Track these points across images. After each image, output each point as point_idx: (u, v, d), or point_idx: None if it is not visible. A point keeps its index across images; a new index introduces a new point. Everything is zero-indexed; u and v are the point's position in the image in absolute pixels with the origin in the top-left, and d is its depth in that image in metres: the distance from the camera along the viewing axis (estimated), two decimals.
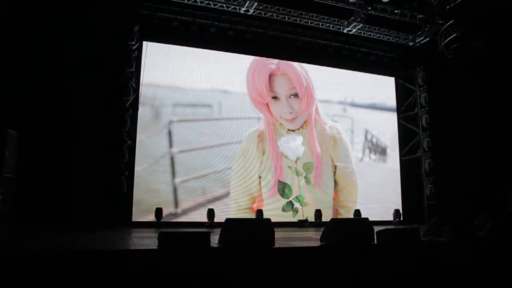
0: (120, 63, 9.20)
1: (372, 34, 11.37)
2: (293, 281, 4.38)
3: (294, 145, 10.84)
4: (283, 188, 10.59)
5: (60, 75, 8.20)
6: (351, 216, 10.78)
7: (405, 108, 12.74)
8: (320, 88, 11.44)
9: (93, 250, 4.46)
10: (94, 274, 3.84)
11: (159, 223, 9.00)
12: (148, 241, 5.28)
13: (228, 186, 10.12)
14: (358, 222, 6.52)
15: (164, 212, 9.22)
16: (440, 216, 6.63)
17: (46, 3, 8.16)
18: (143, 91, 9.69)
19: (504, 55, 9.86)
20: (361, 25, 10.83)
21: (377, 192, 11.76)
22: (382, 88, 12.74)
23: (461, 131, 10.91)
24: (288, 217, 10.47)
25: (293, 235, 7.09)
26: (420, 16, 10.75)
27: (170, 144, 9.81)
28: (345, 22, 10.87)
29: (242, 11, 10.09)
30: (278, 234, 5.23)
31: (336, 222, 5.61)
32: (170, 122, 9.91)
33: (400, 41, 11.81)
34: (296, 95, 10.97)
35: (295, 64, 11.23)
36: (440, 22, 10.79)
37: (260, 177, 10.43)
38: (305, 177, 10.84)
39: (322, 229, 5.66)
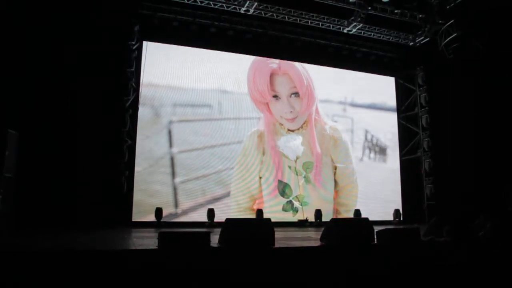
0: (120, 63, 9.20)
1: (372, 34, 11.37)
2: (293, 281, 4.38)
3: (293, 145, 10.84)
4: (283, 188, 10.59)
5: (60, 75, 8.20)
6: (351, 216, 10.78)
7: (405, 108, 12.74)
8: (320, 88, 11.43)
9: (93, 250, 4.46)
10: (94, 274, 3.84)
11: (159, 223, 9.00)
12: (148, 241, 5.28)
13: (228, 186, 10.12)
14: (358, 222, 6.52)
15: (164, 212, 9.22)
16: (440, 216, 6.63)
17: (46, 3, 8.16)
18: (143, 91, 9.69)
19: (504, 55, 9.85)
20: (361, 25, 10.83)
21: (377, 192, 11.75)
22: (382, 88, 12.74)
23: (461, 131, 10.92)
24: (288, 216, 10.47)
25: (293, 235, 7.09)
26: (420, 16, 10.75)
27: (170, 144, 9.81)
28: (345, 22, 10.87)
29: (242, 11, 10.09)
30: (278, 234, 5.23)
31: (336, 222, 5.61)
32: (170, 122, 9.91)
33: (400, 41, 11.81)
34: (297, 94, 10.97)
35: (296, 64, 11.24)
36: (440, 22, 10.79)
37: (260, 177, 10.43)
38: (304, 177, 10.84)
39: (322, 229, 5.66)
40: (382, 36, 11.51)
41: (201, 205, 9.70)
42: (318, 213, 10.42)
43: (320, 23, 10.84)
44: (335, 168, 11.28)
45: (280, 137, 10.80)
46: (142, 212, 9.24)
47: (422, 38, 11.52)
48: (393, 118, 12.70)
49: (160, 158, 9.66)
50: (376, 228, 5.39)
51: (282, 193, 10.55)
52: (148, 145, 9.63)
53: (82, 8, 8.43)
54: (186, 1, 9.75)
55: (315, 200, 10.77)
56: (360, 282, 4.59)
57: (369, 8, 10.25)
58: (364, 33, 11.28)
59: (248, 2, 9.78)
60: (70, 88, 8.28)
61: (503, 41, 9.80)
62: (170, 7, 9.95)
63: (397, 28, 11.42)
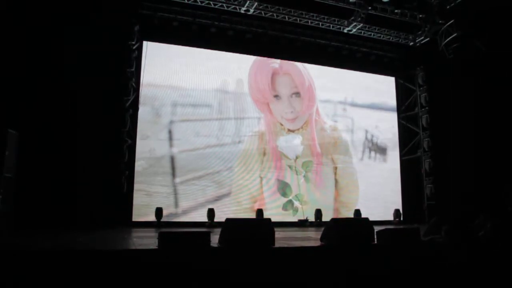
0: (120, 63, 9.20)
1: (372, 34, 11.36)
2: (293, 281, 4.38)
3: (293, 144, 10.85)
4: (283, 187, 10.59)
5: (60, 75, 8.20)
6: (351, 215, 10.78)
7: (405, 108, 12.74)
8: (320, 88, 11.44)
9: (93, 250, 4.46)
10: (94, 274, 3.84)
11: (159, 223, 9.00)
12: (148, 241, 5.27)
13: (228, 186, 10.12)
14: (358, 222, 6.52)
15: (164, 212, 9.22)
16: (440, 216, 6.63)
17: (46, 3, 8.16)
18: (143, 91, 9.69)
19: (504, 55, 9.85)
20: (361, 25, 10.83)
21: (377, 192, 11.76)
22: (382, 88, 12.73)
23: (461, 131, 10.91)
24: (288, 215, 10.47)
25: (293, 235, 7.09)
26: (420, 16, 10.75)
27: (170, 144, 9.81)
28: (345, 22, 10.87)
29: (242, 11, 10.09)
30: (278, 234, 5.23)
31: (336, 222, 5.61)
32: (171, 122, 9.91)
33: (400, 41, 11.81)
34: (298, 94, 10.99)
35: (297, 64, 11.25)
36: (440, 22, 10.79)
37: (261, 177, 10.43)
38: (304, 176, 10.85)
39: (322, 229, 5.66)
40: (382, 36, 11.51)
41: (201, 205, 9.70)
42: (318, 213, 10.42)
43: (320, 23, 10.84)
44: (336, 168, 11.29)
45: (281, 137, 10.80)
46: (142, 212, 9.24)
47: (422, 38, 11.52)
48: (393, 118, 12.70)
49: (160, 158, 9.66)
50: (376, 228, 5.39)
51: (282, 193, 10.56)
52: (148, 145, 9.63)
53: (82, 8, 8.43)
54: (186, 1, 9.75)
55: (314, 199, 10.78)
56: (360, 282, 4.59)
57: (369, 8, 10.25)
58: (364, 33, 11.28)
59: (248, 2, 9.78)
60: (70, 88, 8.28)
61: (503, 41, 9.80)
62: (170, 7, 9.95)
63: (397, 28, 11.42)
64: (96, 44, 8.49)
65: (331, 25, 10.94)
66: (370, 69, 12.46)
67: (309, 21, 10.70)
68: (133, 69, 9.52)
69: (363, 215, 10.44)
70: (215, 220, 9.25)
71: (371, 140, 12.18)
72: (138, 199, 9.29)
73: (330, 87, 11.77)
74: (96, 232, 6.84)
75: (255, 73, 10.83)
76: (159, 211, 9.12)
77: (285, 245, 5.13)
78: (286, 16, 10.49)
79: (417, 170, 12.25)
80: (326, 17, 10.74)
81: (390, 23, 11.09)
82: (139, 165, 9.46)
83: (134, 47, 9.58)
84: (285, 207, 10.53)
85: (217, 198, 9.93)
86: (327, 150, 11.29)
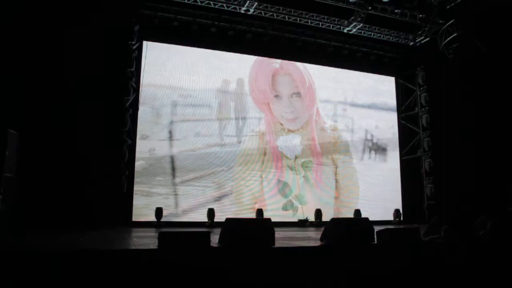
0: (120, 63, 9.20)
1: (372, 34, 11.36)
2: (293, 281, 4.38)
3: (293, 144, 10.86)
4: (282, 187, 10.60)
5: (60, 75, 8.19)
6: (352, 215, 10.78)
7: (405, 107, 12.74)
8: (320, 88, 11.44)
9: (93, 250, 4.46)
10: (94, 274, 3.84)
11: (159, 223, 9.00)
12: (148, 241, 5.27)
13: (228, 186, 10.12)
14: (358, 222, 6.52)
15: (164, 212, 9.23)
16: (440, 215, 6.62)
17: (46, 3, 8.16)
18: (143, 91, 9.69)
19: (504, 55, 9.84)
20: (361, 24, 10.84)
21: (377, 192, 11.76)
22: (382, 88, 12.73)
23: (461, 131, 10.90)
24: (288, 215, 10.47)
25: (293, 235, 7.09)
26: (420, 16, 10.75)
27: (170, 144, 9.81)
28: (346, 22, 10.87)
29: (242, 11, 10.09)
30: (278, 234, 5.23)
31: (336, 222, 5.61)
32: (170, 122, 9.91)
33: (400, 41, 11.81)
34: (298, 94, 11.00)
35: (298, 64, 11.26)
36: (440, 22, 10.79)
37: (261, 177, 10.43)
38: (304, 176, 10.85)
39: (322, 228, 5.66)
40: (382, 36, 11.52)
41: (201, 205, 9.70)
42: (318, 212, 10.42)
43: (320, 23, 10.84)
44: (336, 168, 11.29)
45: (281, 137, 10.80)
46: (142, 212, 9.24)
47: (422, 38, 11.53)
48: (393, 118, 12.70)
49: (160, 158, 9.66)
50: (376, 228, 5.39)
51: (282, 192, 10.56)
52: (148, 145, 9.64)
53: (82, 8, 8.43)
54: (186, 1, 9.75)
55: (314, 199, 10.78)
56: (360, 282, 4.59)
57: (369, 8, 10.25)
58: (364, 33, 11.28)
59: (248, 2, 9.78)
60: (70, 88, 8.28)
61: (503, 41, 9.79)
62: (170, 7, 9.96)
63: (397, 28, 11.43)
64: (96, 44, 8.49)
65: (331, 25, 10.94)
66: (370, 69, 12.47)
67: (309, 21, 10.70)
68: (133, 69, 9.52)
69: (363, 215, 10.45)
70: (215, 220, 9.25)
71: (371, 140, 12.18)
72: (138, 199, 9.29)
73: (330, 87, 11.78)
74: (96, 232, 6.84)
75: (256, 72, 10.83)
76: (159, 211, 9.12)
77: (285, 245, 5.13)
78: (286, 16, 10.50)
79: (417, 170, 12.25)
80: (326, 17, 10.74)
81: (390, 23, 11.10)
82: (139, 165, 9.46)
83: (134, 47, 9.58)
84: (285, 207, 10.53)
85: (217, 198, 9.93)
86: (327, 150, 11.29)
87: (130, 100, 9.40)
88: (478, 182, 10.16)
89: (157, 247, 4.26)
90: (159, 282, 3.95)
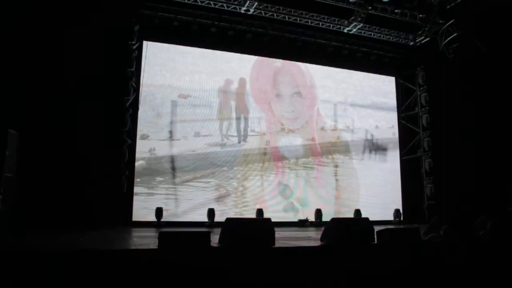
0: (120, 63, 9.20)
1: (373, 33, 11.37)
2: (293, 281, 4.38)
3: (293, 144, 10.86)
4: (283, 189, 10.59)
5: (60, 75, 8.20)
6: (352, 215, 10.78)
7: (405, 107, 12.74)
8: (320, 88, 11.45)
9: (93, 250, 4.46)
10: (94, 274, 3.84)
11: (159, 223, 9.00)
12: (148, 241, 5.27)
13: (229, 186, 10.12)
14: (358, 222, 6.52)
15: (164, 212, 9.23)
16: (440, 215, 6.62)
17: (46, 3, 8.16)
18: (143, 91, 9.69)
19: (504, 55, 9.84)
20: (362, 24, 10.84)
21: (377, 192, 11.76)
22: (382, 88, 12.74)
23: (461, 131, 10.90)
24: (288, 215, 10.47)
25: (293, 235, 7.09)
26: (420, 16, 10.75)
27: (170, 144, 9.81)
28: (346, 22, 10.87)
29: (242, 11, 10.09)
30: (278, 234, 5.23)
31: (336, 222, 5.60)
32: (171, 122, 9.91)
33: (400, 40, 11.81)
34: (299, 94, 11.01)
35: (299, 64, 11.27)
36: (440, 22, 10.79)
37: (262, 177, 10.43)
38: (304, 176, 10.84)
39: (322, 229, 5.66)
40: (382, 36, 11.52)
41: (201, 205, 9.70)
42: (318, 212, 10.42)
43: (321, 23, 10.84)
44: (336, 168, 11.29)
45: (281, 137, 10.80)
46: (142, 212, 9.24)
47: (423, 38, 11.53)
48: (393, 118, 12.71)
49: (160, 158, 9.66)
50: (376, 228, 5.39)
51: (283, 194, 10.56)
52: (148, 145, 9.64)
53: (82, 8, 8.43)
54: (186, 1, 9.75)
55: (315, 200, 10.77)
56: (360, 282, 4.59)
57: (369, 8, 10.26)
58: (364, 32, 11.28)
59: (248, 2, 9.78)
60: (70, 88, 8.28)
61: (503, 41, 9.79)
62: (170, 7, 9.96)
63: (397, 28, 11.43)
64: (96, 44, 8.49)
65: (331, 25, 10.94)
66: (370, 69, 12.47)
67: (309, 21, 10.70)
68: (133, 69, 9.52)
69: (363, 215, 10.44)
70: (215, 220, 9.25)
71: (371, 140, 12.18)
72: (138, 199, 9.29)
73: (331, 87, 11.78)
74: (96, 232, 6.84)
75: (257, 72, 10.85)
76: (159, 211, 9.12)
77: (285, 245, 5.13)
78: (286, 16, 10.50)
79: (417, 170, 12.25)
80: (326, 17, 10.75)
81: (390, 23, 11.10)
82: (139, 165, 9.46)
83: (134, 47, 9.58)
84: (285, 206, 10.52)
85: (217, 198, 9.94)
86: (327, 150, 11.29)
87: (130, 100, 9.40)
88: (478, 182, 10.15)
89: (157, 247, 4.26)
90: (159, 282, 3.95)
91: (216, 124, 10.35)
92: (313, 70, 11.45)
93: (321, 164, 11.12)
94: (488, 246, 5.11)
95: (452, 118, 11.07)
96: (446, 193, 11.10)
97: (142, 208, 9.26)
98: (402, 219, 11.49)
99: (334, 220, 5.72)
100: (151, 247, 4.44)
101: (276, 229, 4.98)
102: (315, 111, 11.32)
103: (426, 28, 11.19)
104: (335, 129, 11.58)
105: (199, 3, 9.79)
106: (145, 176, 9.48)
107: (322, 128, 11.37)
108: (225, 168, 10.17)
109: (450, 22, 10.59)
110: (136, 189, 9.30)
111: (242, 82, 10.78)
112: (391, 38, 11.69)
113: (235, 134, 10.47)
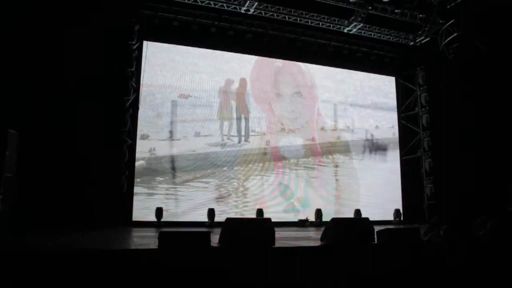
0: (120, 63, 9.20)
1: (373, 33, 11.36)
2: (293, 281, 4.38)
3: (293, 144, 10.86)
4: (283, 189, 10.59)
5: (60, 75, 8.20)
6: (352, 215, 10.78)
7: (405, 107, 12.74)
8: (320, 88, 11.45)
9: (93, 250, 4.46)
10: (94, 274, 3.84)
11: (159, 223, 9.00)
12: (148, 241, 5.28)
13: (229, 186, 10.12)
14: (358, 222, 6.52)
15: (164, 212, 9.22)
16: (440, 215, 6.62)
17: (46, 3, 8.16)
18: (143, 91, 9.69)
19: (504, 55, 9.84)
20: (362, 24, 10.84)
21: (377, 192, 11.76)
22: (382, 88, 12.74)
23: (461, 131, 10.90)
24: (289, 215, 10.47)
25: (293, 235, 7.09)
26: (420, 15, 10.75)
27: (170, 144, 9.81)
28: (346, 22, 10.87)
29: (242, 11, 10.09)
30: (278, 234, 5.23)
31: (336, 222, 5.60)
32: (171, 122, 9.91)
33: (400, 40, 11.81)
34: (299, 94, 11.01)
35: (300, 64, 11.27)
36: (440, 22, 10.79)
37: (262, 177, 10.43)
38: (304, 176, 10.84)
39: (322, 229, 5.66)
40: (382, 36, 11.51)
41: (201, 205, 9.70)
42: (318, 212, 10.42)
43: (321, 23, 10.84)
44: (336, 168, 11.29)
45: (281, 137, 10.81)
46: (142, 212, 9.24)
47: (423, 38, 11.53)
48: (393, 118, 12.71)
49: (160, 158, 9.66)
50: (376, 228, 5.39)
51: (283, 195, 10.56)
52: (148, 145, 9.64)
53: (82, 8, 8.43)
54: (186, 1, 9.75)
55: (315, 201, 10.77)
56: (360, 282, 4.59)
57: (370, 8, 10.26)
58: (364, 32, 11.28)
59: (248, 2, 9.78)
60: (70, 88, 8.28)
61: (503, 41, 9.79)
62: (170, 7, 9.96)
63: (398, 28, 11.43)
64: (96, 44, 8.49)
65: (331, 25, 10.94)
66: (370, 69, 12.47)
67: (309, 21, 10.70)
68: (133, 69, 9.51)
69: (363, 215, 10.44)
70: (215, 220, 9.25)
71: (371, 140, 12.18)
72: (138, 199, 9.29)
73: (331, 87, 11.78)
74: (96, 232, 6.84)
75: (257, 72, 10.85)
76: (159, 211, 9.12)
77: (285, 245, 5.13)
78: (286, 16, 10.49)
79: (417, 170, 12.25)
80: (326, 17, 10.74)
81: (390, 23, 11.10)
82: (139, 165, 9.46)
83: (134, 47, 9.58)
84: (285, 207, 10.52)
85: (217, 198, 9.94)
86: (328, 150, 11.29)
87: (130, 100, 9.40)
88: (478, 182, 10.15)
89: (157, 247, 4.26)
90: (159, 282, 3.95)
91: (216, 124, 10.35)
92: (313, 70, 11.46)
93: (321, 164, 11.12)
94: (488, 246, 5.11)
95: (452, 118, 11.07)
96: (446, 193, 11.10)
97: (142, 208, 9.26)
98: (402, 219, 11.49)
99: (334, 220, 5.72)
100: (151, 247, 4.44)
101: (276, 229, 4.99)
102: (315, 111, 11.32)
103: (426, 28, 11.19)
104: (335, 129, 11.59)
105: (199, 3, 9.79)
106: (145, 176, 9.48)
107: (322, 128, 11.37)
108: (225, 168, 10.17)
109: (450, 22, 10.59)
110: (136, 189, 9.31)
111: (242, 82, 10.78)
112: (391, 38, 11.69)
113: (236, 134, 10.47)
